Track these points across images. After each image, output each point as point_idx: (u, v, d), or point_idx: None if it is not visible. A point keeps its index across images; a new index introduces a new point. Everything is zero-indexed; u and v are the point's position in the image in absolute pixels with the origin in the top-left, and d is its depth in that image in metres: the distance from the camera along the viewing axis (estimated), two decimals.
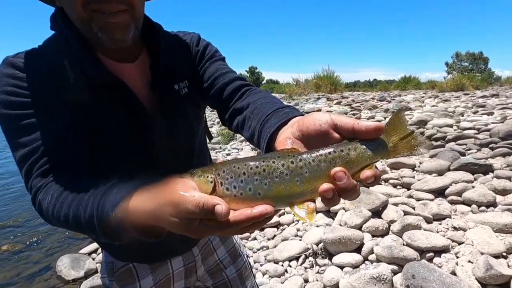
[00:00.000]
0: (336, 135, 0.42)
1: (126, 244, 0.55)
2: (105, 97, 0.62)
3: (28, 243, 3.16)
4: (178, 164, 0.69)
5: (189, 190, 0.38)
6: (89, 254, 2.79)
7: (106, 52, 0.64)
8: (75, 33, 0.59)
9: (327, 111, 0.55)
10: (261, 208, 0.38)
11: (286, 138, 0.47)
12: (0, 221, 3.74)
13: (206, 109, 0.88)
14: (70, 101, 0.59)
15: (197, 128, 0.80)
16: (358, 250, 2.08)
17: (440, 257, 1.85)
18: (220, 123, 0.82)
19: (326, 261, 2.08)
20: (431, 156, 3.59)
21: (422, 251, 1.89)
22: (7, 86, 0.56)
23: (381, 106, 8.26)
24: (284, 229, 2.60)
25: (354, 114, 6.88)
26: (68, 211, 0.50)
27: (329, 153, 0.40)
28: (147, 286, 0.79)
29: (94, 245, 2.91)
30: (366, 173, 0.40)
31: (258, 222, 0.39)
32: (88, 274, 2.48)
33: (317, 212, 2.76)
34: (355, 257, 1.99)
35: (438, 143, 4.06)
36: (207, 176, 0.40)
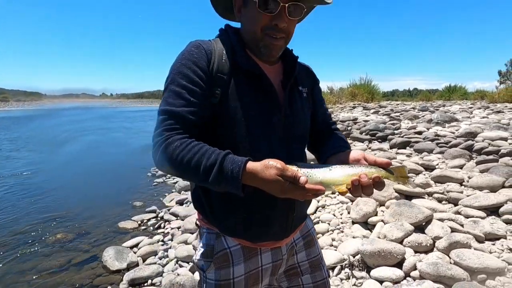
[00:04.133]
0: (364, 162, 0.78)
1: (232, 216, 0.84)
2: (245, 81, 0.82)
3: (78, 233, 3.45)
4: (288, 149, 0.86)
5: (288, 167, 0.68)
6: (131, 247, 2.97)
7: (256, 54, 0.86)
8: (238, 37, 0.86)
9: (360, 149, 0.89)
10: (319, 187, 0.67)
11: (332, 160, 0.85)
12: (55, 211, 4.13)
13: None
14: (213, 75, 0.79)
15: (308, 125, 0.97)
16: (398, 265, 1.98)
17: (494, 279, 1.70)
18: None
19: (364, 273, 2.01)
20: (482, 171, 3.32)
21: (472, 272, 1.75)
22: (186, 60, 0.79)
23: (423, 116, 7.79)
24: (318, 238, 2.55)
25: (393, 124, 6.58)
26: (192, 156, 0.70)
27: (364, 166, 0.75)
28: (239, 273, 0.87)
29: (136, 240, 3.10)
30: (376, 179, 0.72)
31: (317, 194, 0.68)
32: (130, 266, 2.64)
33: (354, 223, 2.68)
34: (396, 272, 1.90)
35: (490, 157, 3.73)
36: (293, 167, 0.69)
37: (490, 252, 1.95)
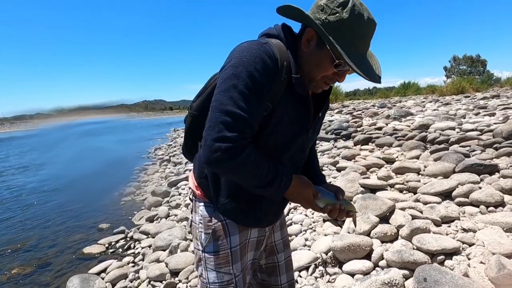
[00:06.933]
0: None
1: (235, 206, 0.93)
2: (293, 102, 0.87)
3: (37, 265, 3.15)
4: (300, 158, 1.01)
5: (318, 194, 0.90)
6: (99, 273, 2.78)
7: None
8: (295, 57, 0.85)
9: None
10: (328, 209, 0.92)
11: None
12: (8, 244, 3.76)
13: None
14: (274, 90, 0.81)
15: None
16: (367, 256, 2.06)
17: (451, 259, 1.83)
18: None
19: (336, 269, 2.06)
20: (435, 160, 3.59)
21: (432, 254, 1.88)
22: (260, 66, 0.77)
23: (382, 113, 8.29)
24: (292, 239, 2.58)
25: (355, 122, 6.91)
26: (258, 169, 0.80)
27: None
28: (234, 243, 0.96)
29: (103, 264, 2.91)
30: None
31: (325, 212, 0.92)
32: None
33: (325, 221, 2.75)
34: (365, 264, 1.97)
35: (442, 146, 4.06)
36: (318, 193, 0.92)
37: (447, 234, 2.11)
